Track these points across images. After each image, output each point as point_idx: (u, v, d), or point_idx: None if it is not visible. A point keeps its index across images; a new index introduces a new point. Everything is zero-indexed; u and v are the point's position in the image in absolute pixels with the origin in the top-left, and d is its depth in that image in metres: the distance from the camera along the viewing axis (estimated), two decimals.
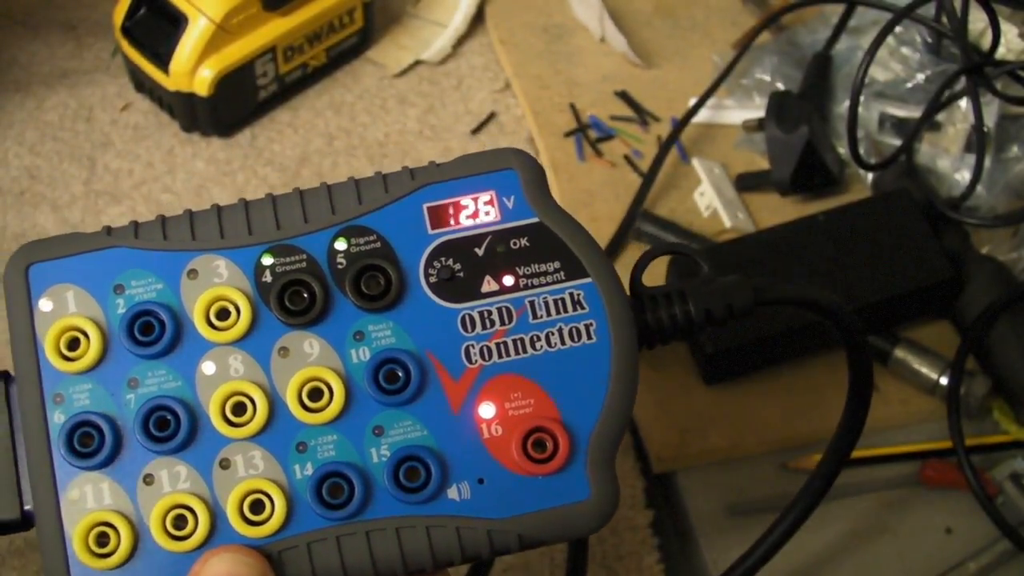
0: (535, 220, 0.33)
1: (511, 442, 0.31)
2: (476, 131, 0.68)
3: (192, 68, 0.62)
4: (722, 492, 0.53)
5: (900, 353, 0.57)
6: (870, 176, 0.64)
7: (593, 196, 0.64)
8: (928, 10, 0.61)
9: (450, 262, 0.32)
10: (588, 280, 0.32)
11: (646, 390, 0.56)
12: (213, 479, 0.31)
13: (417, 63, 0.72)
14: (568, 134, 0.67)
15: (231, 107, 0.65)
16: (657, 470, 0.55)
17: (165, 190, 0.64)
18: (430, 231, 0.33)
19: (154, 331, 0.31)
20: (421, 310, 0.32)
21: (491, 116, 0.69)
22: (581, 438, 0.31)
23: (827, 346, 0.57)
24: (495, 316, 0.32)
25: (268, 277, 0.32)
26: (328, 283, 0.32)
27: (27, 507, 0.31)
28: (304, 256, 0.32)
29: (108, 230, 0.32)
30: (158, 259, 0.32)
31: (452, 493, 0.31)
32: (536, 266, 0.32)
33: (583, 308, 0.32)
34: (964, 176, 0.63)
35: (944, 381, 0.56)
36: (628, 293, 0.33)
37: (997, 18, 0.57)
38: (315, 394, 0.31)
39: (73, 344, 0.31)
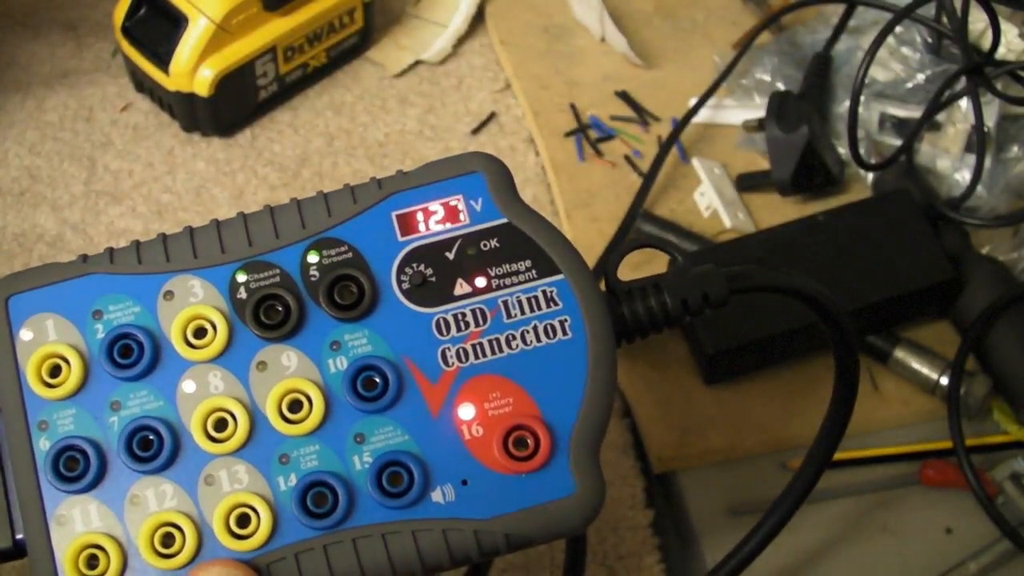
0: (504, 221, 0.33)
1: (492, 442, 0.31)
2: (476, 131, 0.68)
3: (192, 68, 0.62)
4: (722, 492, 0.53)
5: (900, 353, 0.57)
6: (870, 176, 0.64)
7: (593, 196, 0.64)
8: (928, 10, 0.61)
9: (421, 267, 0.33)
10: (560, 277, 0.33)
11: (646, 390, 0.56)
12: (199, 496, 0.31)
13: (417, 63, 0.72)
14: (568, 134, 0.67)
15: (231, 107, 0.65)
16: (657, 470, 0.55)
17: (165, 190, 0.64)
18: (400, 238, 0.33)
19: (133, 353, 0.32)
20: (395, 316, 0.32)
21: (491, 116, 0.69)
22: (562, 434, 0.31)
23: (827, 346, 0.57)
24: (469, 318, 0.32)
25: (243, 293, 0.32)
26: (302, 296, 0.32)
27: (19, 536, 0.31)
28: (277, 271, 0.32)
29: (84, 258, 0.33)
30: (134, 283, 0.32)
31: (436, 496, 0.31)
32: (507, 266, 0.33)
33: (556, 304, 0.32)
34: (964, 176, 0.63)
35: (944, 381, 0.56)
36: (603, 289, 0.34)
37: (997, 18, 0.57)
38: (295, 406, 0.31)
39: (55, 371, 0.32)
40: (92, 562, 0.30)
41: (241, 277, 0.32)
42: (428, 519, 0.31)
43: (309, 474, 0.31)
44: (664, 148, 0.65)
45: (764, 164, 0.66)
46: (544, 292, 0.32)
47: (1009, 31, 0.64)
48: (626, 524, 0.54)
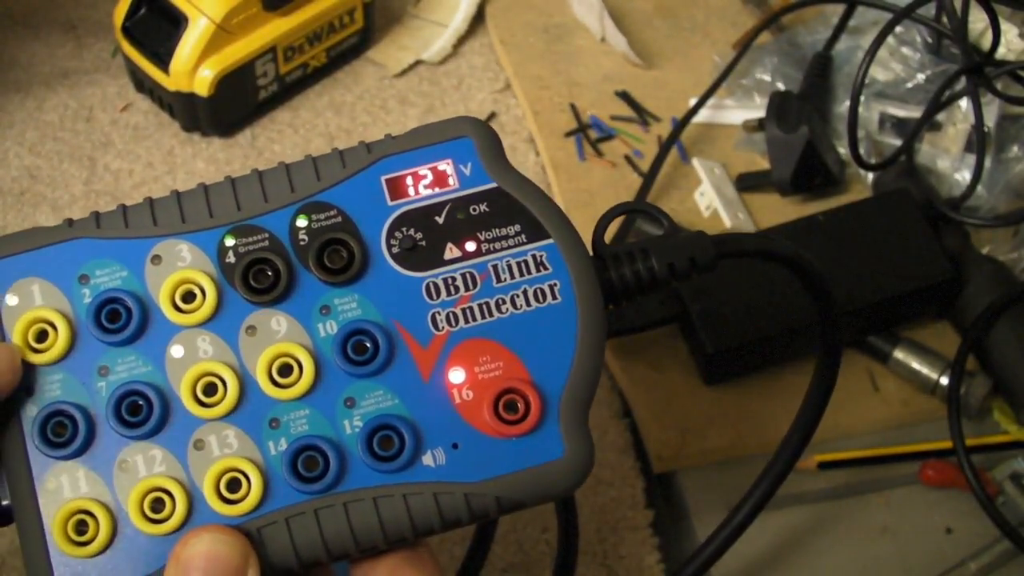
0: (493, 185, 0.33)
1: (482, 405, 0.31)
2: None
3: (192, 68, 0.62)
4: (722, 492, 0.53)
5: (900, 353, 0.57)
6: (870, 176, 0.64)
7: (593, 196, 0.64)
8: (928, 10, 0.61)
9: (411, 232, 0.33)
10: (550, 241, 0.33)
11: (646, 390, 0.56)
12: (188, 461, 0.31)
13: (417, 63, 0.72)
14: (568, 134, 0.67)
15: (231, 107, 0.65)
16: (657, 470, 0.55)
17: (165, 190, 0.64)
18: (390, 202, 0.33)
19: (121, 318, 0.31)
20: (385, 281, 0.32)
21: (491, 116, 0.69)
22: (552, 397, 0.31)
23: None
24: (459, 282, 0.32)
25: (231, 258, 0.32)
26: (291, 260, 0.32)
27: (5, 502, 0.31)
28: (266, 235, 0.32)
29: (70, 222, 0.32)
30: (121, 247, 0.32)
31: (427, 459, 0.31)
32: (497, 230, 0.33)
33: (546, 269, 0.32)
34: (964, 176, 0.63)
35: (944, 381, 0.56)
36: (591, 253, 0.34)
37: (997, 18, 0.57)
38: (285, 370, 0.31)
39: (41, 336, 0.31)
40: (81, 528, 0.30)
41: (229, 241, 0.32)
42: (419, 482, 0.31)
43: (299, 438, 0.31)
44: (664, 148, 0.65)
45: (764, 164, 0.66)
46: (534, 256, 0.33)
47: (1009, 31, 0.64)
48: (626, 524, 0.54)
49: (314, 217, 0.32)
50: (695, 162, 0.65)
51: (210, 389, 0.31)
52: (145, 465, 0.30)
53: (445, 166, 0.33)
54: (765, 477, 0.42)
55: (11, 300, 0.31)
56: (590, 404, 0.32)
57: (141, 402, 0.31)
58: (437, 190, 0.33)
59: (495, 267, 0.32)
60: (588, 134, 0.68)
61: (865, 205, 0.59)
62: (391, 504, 0.30)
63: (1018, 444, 0.55)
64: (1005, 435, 0.55)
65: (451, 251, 0.32)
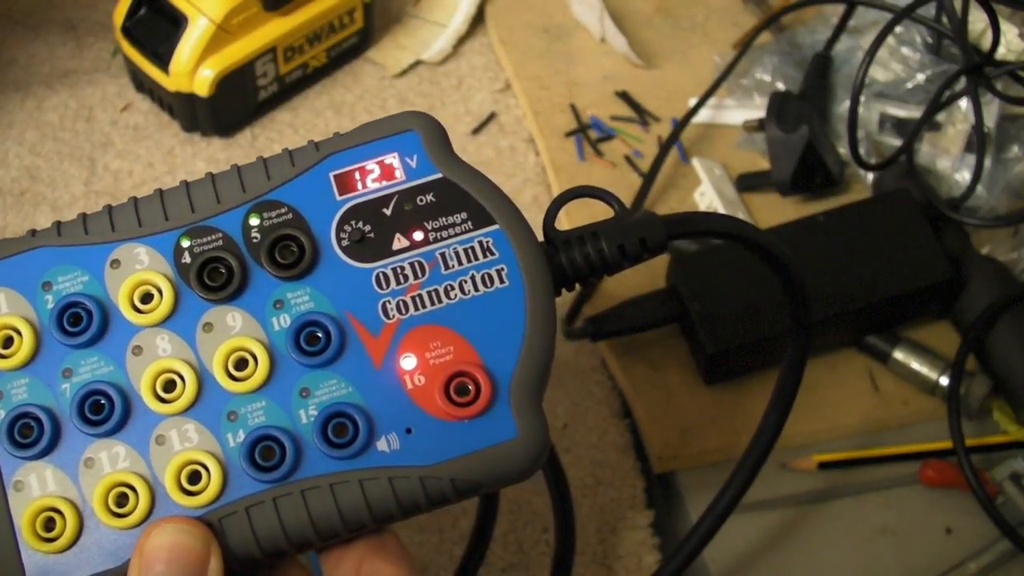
0: (439, 176, 0.34)
1: (434, 389, 0.32)
2: (476, 131, 0.68)
3: (192, 68, 0.62)
4: None
5: (900, 353, 0.57)
6: (870, 176, 0.64)
7: None
8: (928, 10, 0.61)
9: (360, 224, 0.33)
10: (496, 227, 0.33)
11: (646, 390, 0.56)
12: (150, 455, 0.31)
13: (417, 63, 0.72)
14: (568, 134, 0.67)
15: (231, 107, 0.65)
16: (657, 470, 0.55)
17: None
18: (338, 197, 0.34)
19: (83, 321, 0.32)
20: (336, 273, 0.33)
21: (491, 116, 0.69)
22: (502, 379, 0.32)
23: (827, 346, 0.58)
24: (408, 271, 0.33)
25: (187, 258, 0.33)
26: (244, 257, 0.33)
27: None
28: (220, 235, 0.33)
29: (32, 232, 0.33)
30: (81, 253, 0.33)
31: (381, 445, 0.32)
32: (443, 219, 0.33)
33: (493, 254, 0.33)
34: (964, 176, 0.63)
35: (944, 381, 0.56)
36: (540, 238, 0.34)
37: (997, 18, 0.57)
38: (241, 364, 0.32)
39: (7, 342, 0.32)
40: (49, 525, 0.31)
41: (185, 243, 0.33)
42: (374, 467, 0.31)
43: (256, 429, 0.31)
44: (664, 148, 0.65)
45: (764, 164, 0.66)
46: (480, 243, 0.33)
47: (1009, 31, 0.64)
48: (626, 524, 0.54)
49: (265, 215, 0.33)
50: (695, 162, 0.65)
51: (169, 385, 0.32)
52: (109, 461, 0.31)
53: (392, 159, 0.34)
54: (747, 457, 0.42)
55: None
56: (543, 385, 0.33)
57: (104, 401, 0.32)
58: (384, 183, 0.34)
59: (443, 255, 0.33)
60: (588, 134, 0.68)
61: (865, 205, 0.59)
62: (347, 490, 0.31)
63: (1018, 444, 0.55)
64: (1005, 435, 0.56)
65: (399, 241, 0.33)
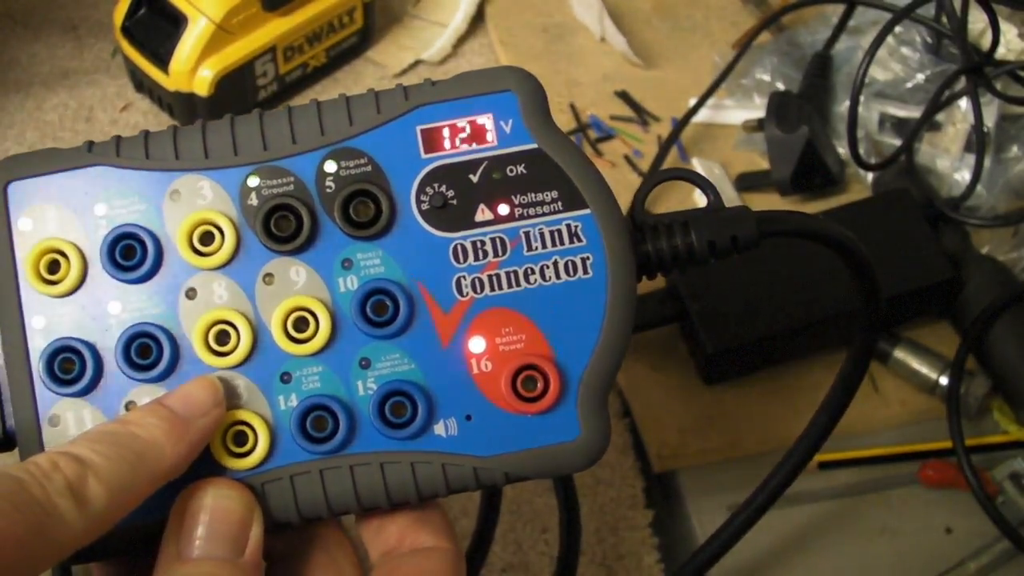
0: (533, 146, 0.31)
1: (500, 378, 0.30)
2: None
3: (192, 68, 0.62)
4: (722, 492, 0.53)
5: (900, 353, 0.57)
6: (870, 176, 0.64)
7: None
8: (928, 10, 0.61)
9: (443, 188, 0.31)
10: (587, 211, 0.31)
11: (646, 390, 0.56)
12: None
13: (417, 63, 0.72)
14: (568, 134, 0.67)
15: (231, 107, 0.65)
16: (657, 470, 0.55)
17: None
18: (423, 155, 0.31)
19: (136, 255, 0.30)
20: (412, 238, 0.31)
21: None
22: (572, 377, 0.30)
23: (827, 346, 0.57)
24: (488, 247, 0.31)
25: (254, 200, 0.30)
26: (316, 208, 0.30)
27: (10, 424, 0.30)
28: (292, 179, 0.31)
29: (89, 146, 0.31)
30: (140, 178, 0.30)
31: (439, 429, 0.30)
32: (533, 195, 0.31)
33: (580, 241, 0.31)
34: (964, 176, 0.63)
35: (944, 381, 0.56)
36: (629, 220, 0.32)
37: (997, 18, 0.57)
38: (301, 324, 0.30)
39: (53, 267, 0.30)
40: None
41: (253, 182, 0.30)
42: (429, 451, 0.30)
43: (310, 396, 0.30)
44: (664, 148, 0.65)
45: (764, 164, 0.66)
46: (568, 226, 0.31)
47: (1009, 31, 0.64)
48: (626, 524, 0.54)
49: (343, 164, 0.31)
50: (695, 162, 0.65)
51: (223, 337, 0.30)
52: None
53: (485, 120, 0.31)
54: (775, 474, 0.41)
55: (24, 224, 0.30)
56: (611, 385, 0.31)
57: (151, 344, 0.30)
58: (474, 146, 0.31)
59: (527, 234, 0.31)
60: (588, 134, 0.68)
61: (865, 205, 0.59)
62: (398, 470, 0.30)
63: (1018, 444, 0.55)
64: (1005, 435, 0.56)
65: (483, 213, 0.31)
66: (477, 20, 0.74)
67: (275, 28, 0.64)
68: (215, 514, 0.28)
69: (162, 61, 0.63)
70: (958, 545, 0.53)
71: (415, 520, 0.31)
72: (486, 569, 0.51)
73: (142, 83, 0.66)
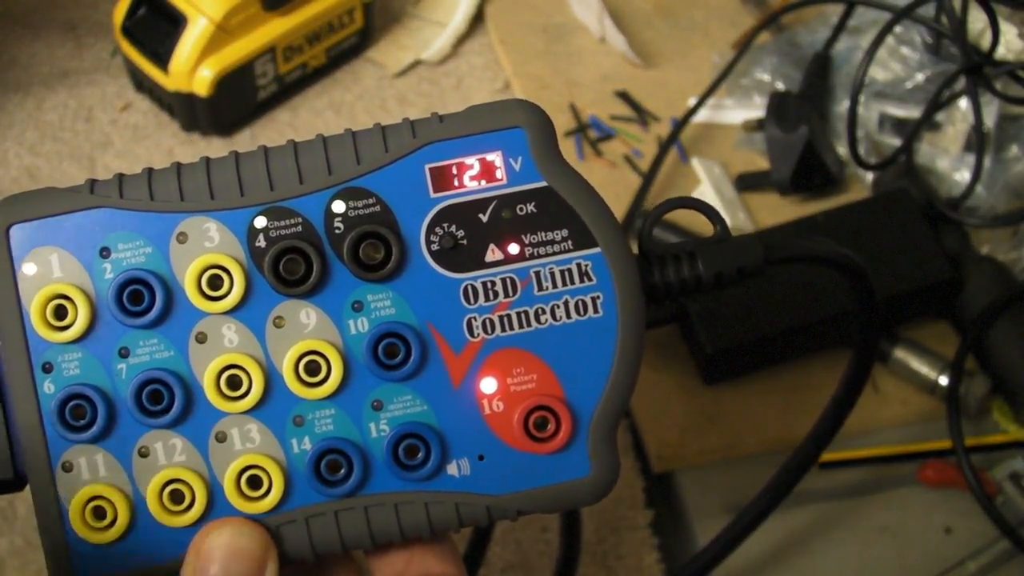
0: (543, 184, 0.31)
1: (512, 419, 0.30)
2: None
3: (192, 68, 0.62)
4: (722, 492, 0.53)
5: (900, 353, 0.57)
6: (870, 176, 0.64)
7: None
8: (928, 10, 0.61)
9: (453, 228, 0.31)
10: (597, 250, 0.31)
11: (646, 390, 0.56)
12: (209, 452, 0.30)
13: (417, 63, 0.72)
14: (568, 134, 0.67)
15: (231, 107, 0.65)
16: (657, 470, 0.55)
17: None
18: (432, 194, 0.31)
19: (144, 300, 0.30)
20: (422, 280, 0.31)
21: None
22: (584, 416, 0.31)
23: (827, 346, 0.57)
24: (499, 287, 0.31)
25: (262, 242, 0.30)
26: (325, 250, 0.30)
27: (21, 467, 0.30)
28: (299, 219, 0.30)
29: (92, 185, 0.31)
30: (145, 220, 0.30)
31: (452, 470, 0.30)
32: (543, 234, 0.31)
33: (591, 280, 0.31)
34: (964, 176, 0.63)
35: (944, 381, 0.56)
36: (638, 258, 0.32)
37: (997, 18, 0.57)
38: (312, 367, 0.30)
39: (60, 312, 0.30)
40: (99, 512, 0.30)
41: (260, 223, 0.30)
42: (442, 492, 0.30)
43: (324, 439, 0.30)
44: (664, 148, 0.65)
45: (764, 164, 0.66)
46: (579, 265, 0.31)
47: (1008, 31, 0.64)
48: (626, 524, 0.54)
49: (351, 204, 0.30)
50: (694, 162, 0.65)
51: (234, 381, 0.30)
52: (165, 454, 0.30)
53: (494, 157, 0.31)
54: (779, 477, 0.41)
55: (28, 269, 0.30)
56: (620, 422, 0.31)
57: (162, 390, 0.30)
58: (484, 183, 0.31)
59: (537, 274, 0.31)
60: (588, 134, 0.68)
61: (865, 205, 0.59)
62: (412, 511, 0.30)
63: (1018, 444, 0.55)
64: (1004, 435, 0.55)
65: (493, 253, 0.31)
66: (477, 20, 0.74)
67: (275, 28, 0.64)
68: (230, 552, 0.29)
69: (162, 61, 0.63)
70: (958, 545, 0.53)
71: (423, 546, 0.31)
72: (486, 569, 0.51)
73: (142, 83, 0.66)
